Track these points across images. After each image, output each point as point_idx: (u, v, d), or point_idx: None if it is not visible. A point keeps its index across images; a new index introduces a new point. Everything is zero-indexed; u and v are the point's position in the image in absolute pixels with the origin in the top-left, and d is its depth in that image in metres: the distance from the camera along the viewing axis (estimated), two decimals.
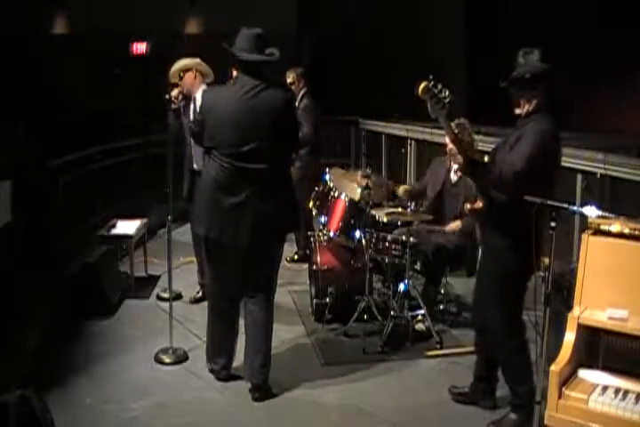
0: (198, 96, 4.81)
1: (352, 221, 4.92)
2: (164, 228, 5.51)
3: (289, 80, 6.25)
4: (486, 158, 3.39)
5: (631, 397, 2.84)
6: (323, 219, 5.13)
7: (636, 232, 3.00)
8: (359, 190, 4.94)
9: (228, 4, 9.99)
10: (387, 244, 4.77)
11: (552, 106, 3.34)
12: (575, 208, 3.01)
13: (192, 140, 4.39)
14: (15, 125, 7.12)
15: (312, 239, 5.25)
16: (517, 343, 3.49)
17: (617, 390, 2.89)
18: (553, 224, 2.95)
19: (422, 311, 4.64)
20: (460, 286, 5.43)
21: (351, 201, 4.97)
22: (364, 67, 9.84)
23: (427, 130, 7.75)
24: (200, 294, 5.30)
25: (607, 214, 3.19)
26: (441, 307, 5.02)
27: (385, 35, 9.90)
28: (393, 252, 4.75)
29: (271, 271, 3.94)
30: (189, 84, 4.89)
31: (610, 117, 7.47)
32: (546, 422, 2.94)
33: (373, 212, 4.85)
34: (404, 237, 4.64)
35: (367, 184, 4.82)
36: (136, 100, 10.20)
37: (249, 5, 9.66)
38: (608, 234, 3.07)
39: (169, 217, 4.41)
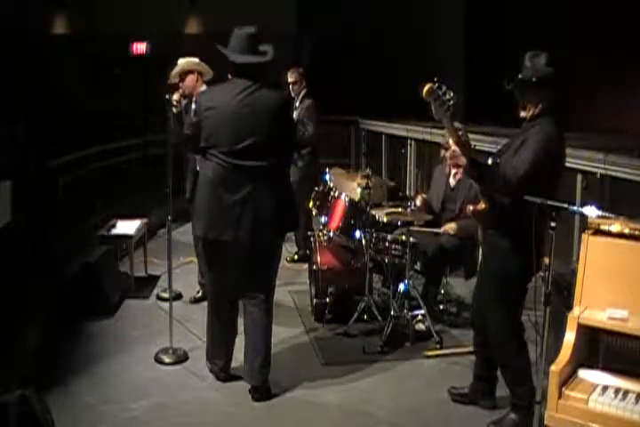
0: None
1: (352, 221, 4.93)
2: (163, 228, 5.51)
3: (291, 80, 6.21)
4: (489, 160, 3.39)
5: (631, 397, 2.84)
6: (323, 219, 5.14)
7: (636, 232, 3.00)
8: (359, 190, 4.93)
9: (227, 4, 10.00)
10: (387, 244, 4.77)
11: (563, 108, 3.32)
12: (575, 208, 3.00)
13: None
14: (15, 125, 7.13)
15: (312, 239, 5.25)
16: (516, 344, 3.48)
17: (617, 390, 2.89)
18: (553, 224, 2.95)
19: (422, 311, 4.63)
20: (460, 286, 5.43)
21: (351, 201, 4.97)
22: (364, 67, 9.85)
23: (427, 130, 7.75)
24: (200, 293, 5.29)
25: (607, 214, 3.18)
26: (441, 307, 5.02)
27: (385, 35, 9.91)
28: (393, 252, 4.75)
29: (270, 272, 3.94)
30: (191, 87, 4.89)
31: (611, 117, 7.46)
32: (546, 422, 2.94)
33: (373, 212, 4.86)
34: (403, 237, 4.64)
35: (367, 184, 4.82)
36: (136, 100, 10.21)
37: (249, 5, 9.67)
38: (608, 234, 3.07)
39: (169, 217, 4.41)
